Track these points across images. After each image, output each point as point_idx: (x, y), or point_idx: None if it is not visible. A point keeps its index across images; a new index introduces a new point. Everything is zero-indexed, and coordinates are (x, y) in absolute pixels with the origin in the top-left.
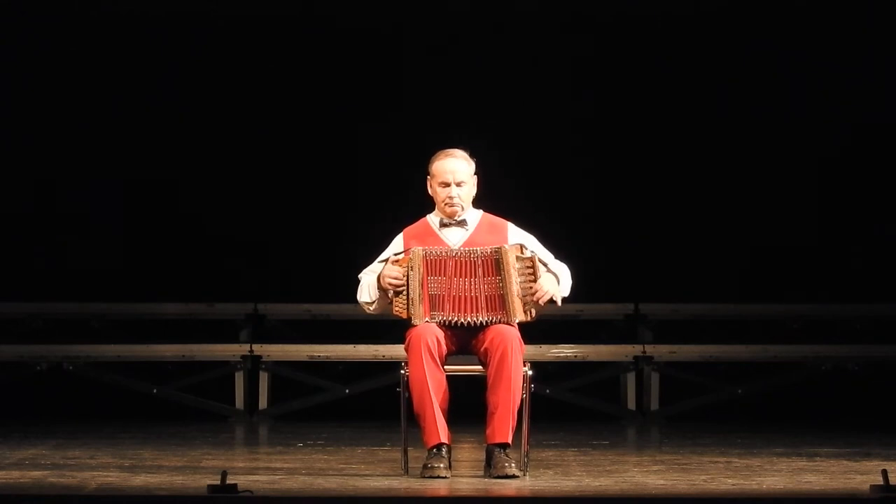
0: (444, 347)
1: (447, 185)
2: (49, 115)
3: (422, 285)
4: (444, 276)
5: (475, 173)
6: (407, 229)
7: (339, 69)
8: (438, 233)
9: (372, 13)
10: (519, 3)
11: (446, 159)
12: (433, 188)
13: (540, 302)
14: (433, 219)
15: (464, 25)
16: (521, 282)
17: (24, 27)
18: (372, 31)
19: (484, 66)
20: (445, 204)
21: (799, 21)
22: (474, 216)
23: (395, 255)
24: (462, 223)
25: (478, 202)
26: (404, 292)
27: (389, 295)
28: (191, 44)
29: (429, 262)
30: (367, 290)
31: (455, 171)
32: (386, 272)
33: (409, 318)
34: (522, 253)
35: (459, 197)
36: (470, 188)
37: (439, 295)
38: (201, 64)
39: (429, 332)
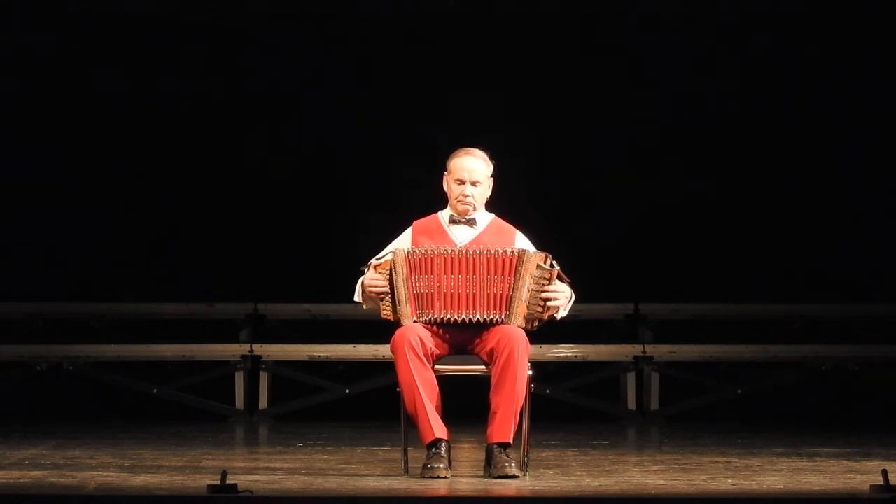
0: (431, 346)
1: (462, 182)
2: (49, 114)
3: (406, 285)
4: (431, 274)
5: (492, 175)
6: (417, 222)
7: (341, 69)
8: (447, 229)
9: (372, 13)
10: (518, 3)
11: (465, 157)
12: (448, 184)
13: (549, 304)
14: (444, 215)
15: (463, 24)
16: (533, 290)
17: (25, 27)
18: (372, 31)
19: (483, 66)
20: (458, 201)
21: (799, 21)
22: (485, 218)
23: (378, 259)
24: (471, 222)
25: (490, 206)
26: (388, 297)
27: (375, 300)
28: (191, 44)
29: (411, 261)
30: (357, 291)
31: (472, 169)
32: (367, 282)
33: (398, 320)
34: (546, 263)
35: (473, 196)
36: (485, 189)
37: (427, 294)
38: (201, 63)
39: (412, 332)
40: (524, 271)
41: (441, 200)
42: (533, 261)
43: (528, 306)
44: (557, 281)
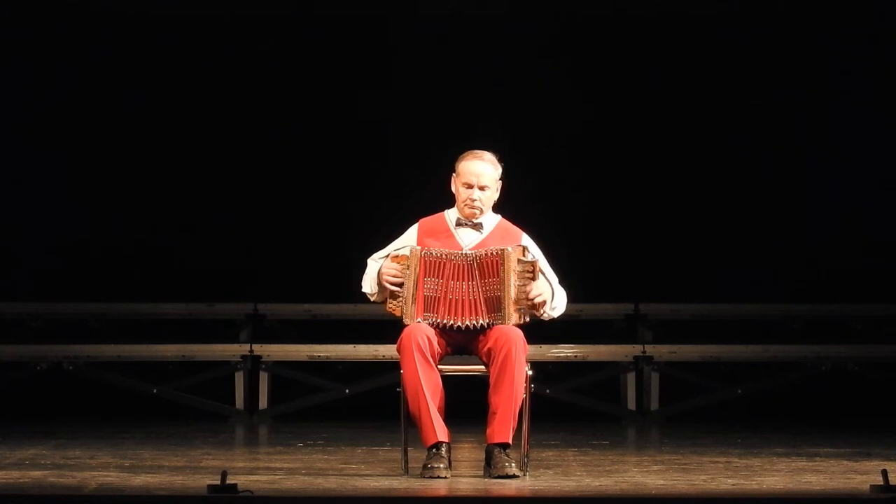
0: (437, 346)
1: (470, 186)
2: (48, 114)
3: (416, 285)
4: (441, 278)
5: (500, 178)
6: (423, 221)
7: (341, 70)
8: (453, 231)
9: (375, 13)
10: (518, 4)
11: (474, 161)
12: (456, 186)
13: (534, 301)
14: (450, 216)
15: (463, 26)
16: (519, 285)
17: (24, 26)
18: (374, 32)
19: (484, 67)
20: (465, 205)
21: (798, 20)
22: (491, 221)
23: (396, 250)
24: (478, 226)
25: (496, 207)
26: (400, 291)
27: (387, 291)
28: (191, 43)
29: (426, 262)
30: (368, 282)
31: (480, 174)
32: (384, 270)
33: (402, 318)
34: (525, 256)
35: (480, 200)
36: (492, 193)
37: (434, 297)
38: (202, 63)
39: (419, 332)
40: (508, 269)
41: (447, 199)
42: (513, 256)
43: (517, 302)
44: (541, 275)
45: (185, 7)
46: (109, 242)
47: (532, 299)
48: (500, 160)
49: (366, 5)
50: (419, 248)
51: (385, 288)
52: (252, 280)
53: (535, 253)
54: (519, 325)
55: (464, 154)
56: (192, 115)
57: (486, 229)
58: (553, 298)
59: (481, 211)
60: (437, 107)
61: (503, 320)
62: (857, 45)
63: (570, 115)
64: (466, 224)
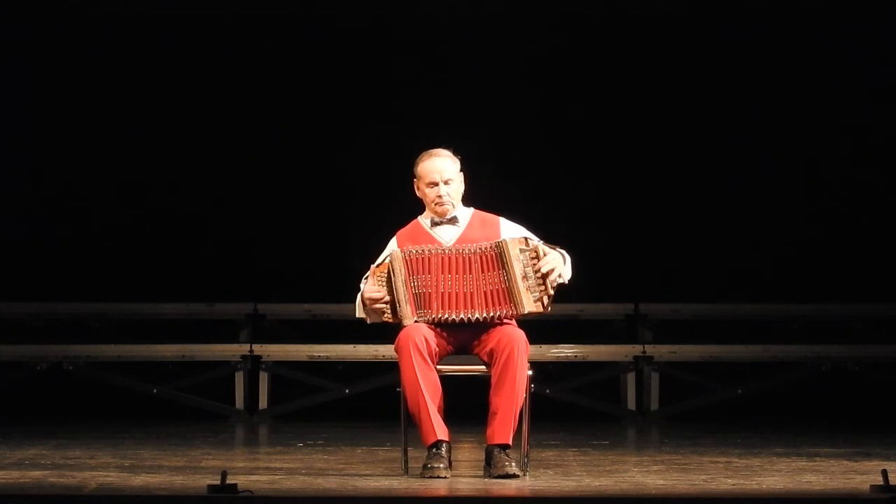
0: (435, 346)
1: (434, 184)
2: (47, 114)
3: (405, 286)
4: (429, 274)
5: (461, 170)
6: (400, 231)
7: (340, 69)
8: (430, 232)
9: (375, 13)
10: (517, 3)
11: (431, 159)
12: (421, 190)
13: (548, 277)
14: (424, 220)
15: (463, 26)
16: (528, 272)
17: (25, 27)
18: (371, 31)
19: (480, 67)
20: (435, 204)
21: (795, 20)
22: (465, 213)
23: (376, 267)
24: (453, 220)
25: (470, 200)
26: (389, 302)
27: (375, 308)
28: (191, 44)
29: (409, 262)
30: (358, 308)
31: (441, 170)
32: (365, 293)
33: (399, 321)
34: (527, 245)
35: (448, 195)
36: (458, 185)
37: (425, 293)
38: (201, 64)
39: (416, 332)
40: (510, 259)
41: (418, 208)
42: (514, 246)
43: (530, 290)
44: (548, 249)
45: (185, 7)
46: (109, 242)
47: (546, 273)
48: (455, 153)
49: (366, 5)
50: (398, 250)
51: (373, 311)
52: (252, 280)
53: (518, 230)
54: (540, 313)
55: (419, 157)
56: (191, 115)
57: (463, 222)
58: (565, 262)
59: (452, 205)
60: (437, 106)
61: (519, 309)
62: (856, 45)
63: (570, 114)
64: (442, 222)
